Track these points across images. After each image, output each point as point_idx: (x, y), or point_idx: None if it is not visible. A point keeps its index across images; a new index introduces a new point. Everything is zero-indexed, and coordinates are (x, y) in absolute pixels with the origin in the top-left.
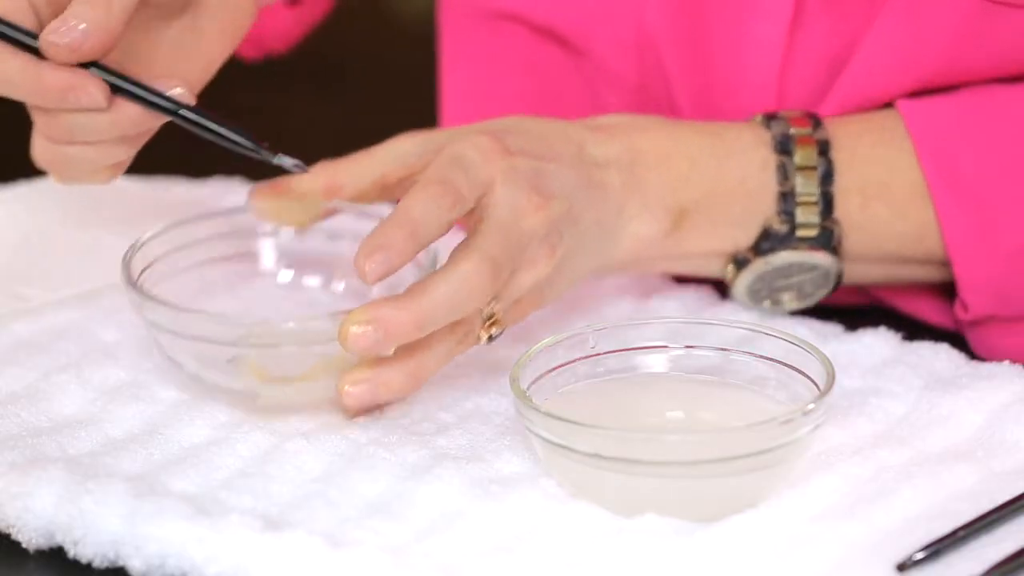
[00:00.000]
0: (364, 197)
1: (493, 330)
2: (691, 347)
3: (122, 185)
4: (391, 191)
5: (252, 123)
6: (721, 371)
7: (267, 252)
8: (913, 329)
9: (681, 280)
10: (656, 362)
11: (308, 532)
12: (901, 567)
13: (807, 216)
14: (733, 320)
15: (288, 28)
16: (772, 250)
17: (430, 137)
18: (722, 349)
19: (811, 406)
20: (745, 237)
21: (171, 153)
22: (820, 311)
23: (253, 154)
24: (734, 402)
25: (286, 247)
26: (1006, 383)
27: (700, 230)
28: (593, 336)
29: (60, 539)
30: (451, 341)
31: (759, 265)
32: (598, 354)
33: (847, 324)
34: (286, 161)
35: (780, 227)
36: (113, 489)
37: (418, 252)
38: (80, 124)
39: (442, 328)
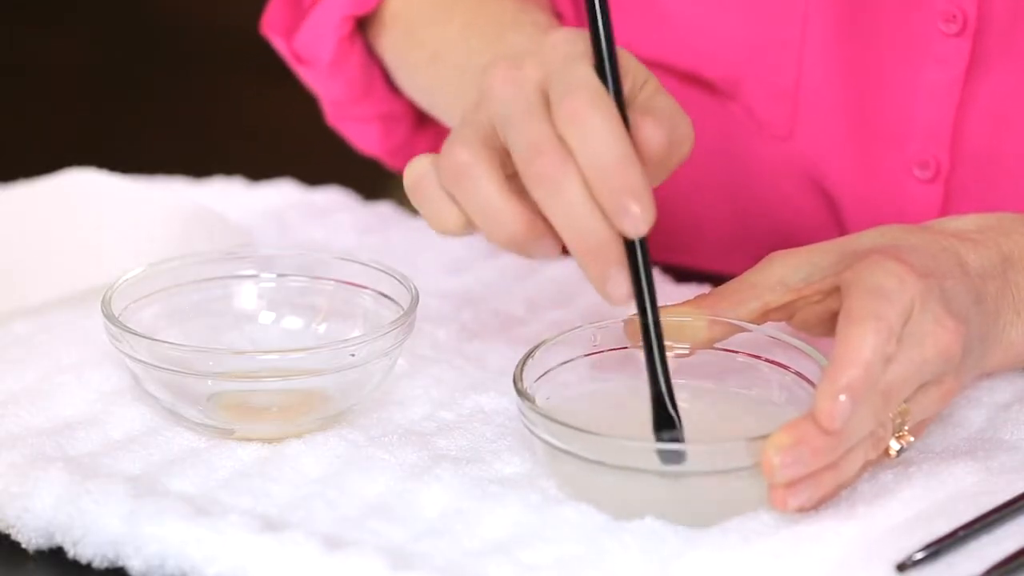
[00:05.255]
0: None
1: (903, 442)
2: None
3: (122, 185)
4: (768, 317)
5: (255, 118)
6: (723, 370)
7: (248, 294)
8: None
9: (681, 279)
10: None
11: (307, 533)
12: (901, 567)
13: None
14: (736, 320)
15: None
16: None
17: (809, 260)
18: (725, 350)
19: None
20: None
21: (171, 153)
22: None
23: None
24: (736, 405)
25: (267, 289)
26: (1006, 383)
27: None
28: (595, 333)
29: (60, 539)
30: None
31: None
32: (600, 351)
33: None
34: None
35: None
36: (113, 489)
37: (872, 390)
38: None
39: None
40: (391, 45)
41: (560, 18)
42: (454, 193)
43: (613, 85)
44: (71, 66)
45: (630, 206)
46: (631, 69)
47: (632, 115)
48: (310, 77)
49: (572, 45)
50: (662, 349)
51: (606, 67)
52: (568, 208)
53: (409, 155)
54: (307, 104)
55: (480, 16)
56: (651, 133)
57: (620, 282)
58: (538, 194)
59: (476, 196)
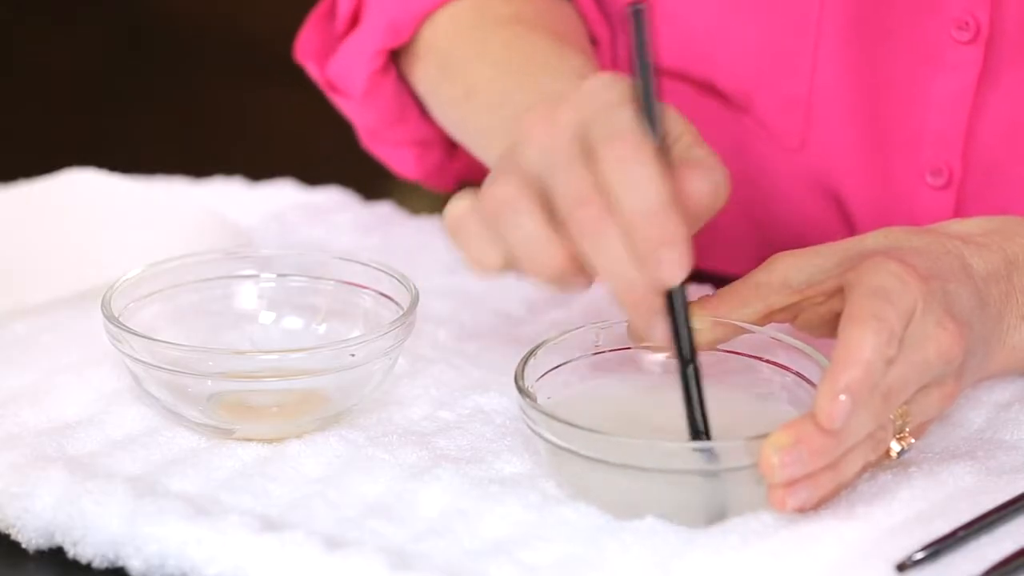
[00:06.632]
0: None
1: (904, 443)
2: None
3: (122, 185)
4: (772, 318)
5: (255, 118)
6: (725, 371)
7: (248, 294)
8: None
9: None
10: (660, 360)
11: (307, 533)
12: (901, 567)
13: None
14: (739, 322)
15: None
16: None
17: (812, 261)
18: (727, 351)
19: None
20: None
21: (171, 153)
22: None
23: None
24: (736, 405)
25: (267, 289)
26: (1006, 383)
27: None
28: (597, 333)
29: (60, 539)
30: (866, 448)
31: None
32: (602, 352)
33: None
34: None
35: None
36: (113, 489)
37: (873, 390)
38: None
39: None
40: (424, 77)
41: (595, 44)
42: (497, 227)
43: (656, 133)
44: (71, 66)
45: (665, 255)
46: (668, 121)
47: (676, 167)
48: (343, 105)
49: (610, 90)
50: (700, 395)
51: (649, 114)
52: (612, 258)
53: (445, 177)
54: (307, 104)
55: (515, 54)
56: (698, 185)
57: (662, 329)
58: (582, 242)
59: (519, 230)
